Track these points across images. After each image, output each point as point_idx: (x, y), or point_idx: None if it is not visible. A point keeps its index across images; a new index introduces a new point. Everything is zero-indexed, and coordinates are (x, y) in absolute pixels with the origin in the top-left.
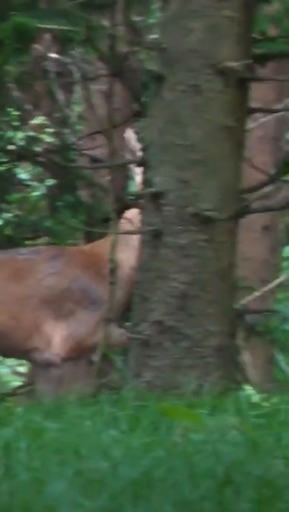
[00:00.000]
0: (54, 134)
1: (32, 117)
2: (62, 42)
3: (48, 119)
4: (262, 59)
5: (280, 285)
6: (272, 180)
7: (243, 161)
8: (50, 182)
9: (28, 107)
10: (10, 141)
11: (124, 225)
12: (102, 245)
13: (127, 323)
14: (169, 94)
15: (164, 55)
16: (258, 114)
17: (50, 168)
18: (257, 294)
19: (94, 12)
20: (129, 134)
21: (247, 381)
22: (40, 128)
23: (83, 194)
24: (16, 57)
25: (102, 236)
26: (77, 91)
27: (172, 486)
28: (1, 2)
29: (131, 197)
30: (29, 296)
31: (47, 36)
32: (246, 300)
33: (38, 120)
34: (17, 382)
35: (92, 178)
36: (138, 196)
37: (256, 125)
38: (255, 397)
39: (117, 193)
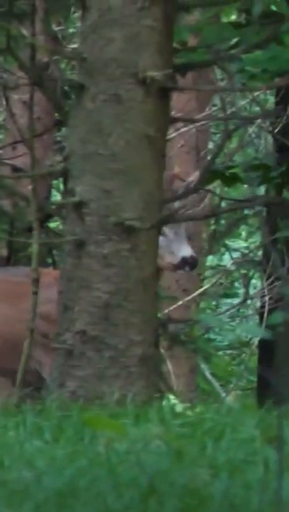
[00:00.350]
0: None
1: None
2: None
3: None
4: (182, 69)
5: (202, 294)
6: (194, 189)
7: (165, 171)
8: None
9: None
10: None
11: None
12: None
13: None
14: (90, 103)
15: (85, 65)
16: (179, 124)
17: None
18: (180, 303)
19: (13, 21)
20: None
21: (170, 390)
22: None
23: (5, 204)
24: None
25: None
26: None
27: (96, 495)
28: None
29: (53, 206)
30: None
31: None
32: (169, 309)
33: None
34: None
35: (13, 187)
36: (60, 206)
37: (177, 135)
38: (179, 407)
39: (40, 202)
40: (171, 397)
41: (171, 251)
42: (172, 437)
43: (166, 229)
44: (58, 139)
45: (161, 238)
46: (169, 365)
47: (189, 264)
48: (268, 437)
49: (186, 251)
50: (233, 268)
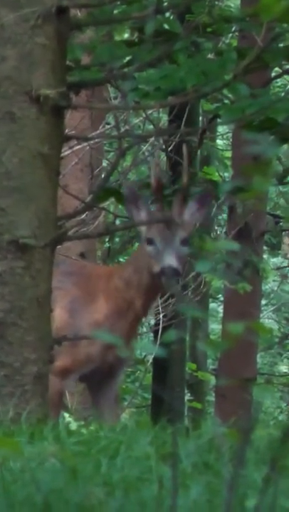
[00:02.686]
0: None
1: None
2: None
3: None
4: (76, 87)
5: None
6: (88, 207)
7: (59, 188)
8: None
9: None
10: None
11: None
12: (119, 268)
13: None
14: None
15: None
16: (73, 142)
17: None
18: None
19: None
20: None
21: (65, 408)
22: None
23: None
24: None
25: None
26: None
27: None
28: None
29: None
30: None
31: None
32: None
33: None
34: None
35: None
36: None
37: (71, 152)
38: (74, 425)
39: None
40: (66, 415)
41: (156, 260)
42: (67, 455)
43: (156, 238)
44: None
45: (151, 247)
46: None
47: (166, 274)
48: (162, 455)
49: (166, 260)
50: None
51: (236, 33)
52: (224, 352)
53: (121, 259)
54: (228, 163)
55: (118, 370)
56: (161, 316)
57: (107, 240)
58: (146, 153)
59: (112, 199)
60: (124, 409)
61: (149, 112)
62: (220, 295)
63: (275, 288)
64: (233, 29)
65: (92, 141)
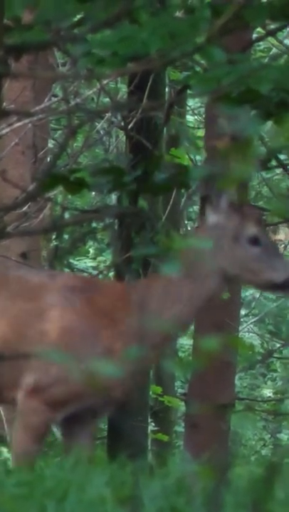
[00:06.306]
0: None
1: None
2: None
3: None
4: (16, 51)
5: None
6: (31, 197)
7: None
8: None
9: None
10: None
11: None
12: (140, 287)
13: None
14: None
15: None
16: (12, 118)
17: None
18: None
19: None
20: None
21: (2, 441)
22: None
23: None
24: None
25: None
26: None
27: None
28: None
29: None
30: None
31: None
32: None
33: None
34: None
35: None
36: None
37: (10, 131)
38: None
39: None
40: (4, 449)
41: (272, 265)
42: (6, 499)
43: (261, 238)
44: None
45: (253, 248)
46: (1, 411)
47: None
48: (120, 498)
49: None
50: None
51: None
52: (196, 373)
53: (72, 261)
54: (201, 143)
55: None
56: None
57: (54, 237)
58: (102, 132)
59: (60, 188)
60: None
61: (105, 81)
62: None
63: (257, 295)
64: None
65: (35, 118)
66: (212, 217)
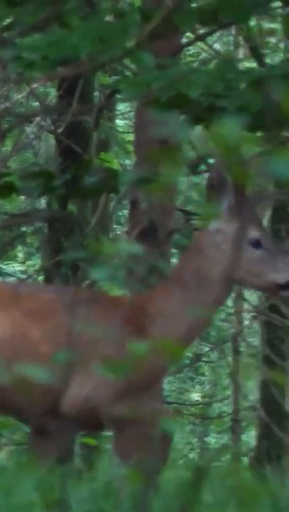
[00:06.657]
0: None
1: None
2: None
3: None
4: None
5: None
6: None
7: None
8: None
9: None
10: None
11: None
12: (147, 298)
13: None
14: None
15: None
16: None
17: None
18: None
19: None
20: None
21: None
22: None
23: None
24: None
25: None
26: None
27: None
28: None
29: None
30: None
31: None
32: None
33: None
34: None
35: None
36: None
37: None
38: None
39: None
40: None
41: (275, 267)
42: None
43: (263, 240)
44: None
45: (256, 250)
46: None
47: None
48: (48, 502)
49: None
50: None
51: None
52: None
53: (0, 265)
54: (130, 148)
55: None
56: None
57: None
58: (31, 136)
59: None
60: (2, 448)
61: (34, 85)
62: None
63: None
64: None
65: None
66: (213, 223)
